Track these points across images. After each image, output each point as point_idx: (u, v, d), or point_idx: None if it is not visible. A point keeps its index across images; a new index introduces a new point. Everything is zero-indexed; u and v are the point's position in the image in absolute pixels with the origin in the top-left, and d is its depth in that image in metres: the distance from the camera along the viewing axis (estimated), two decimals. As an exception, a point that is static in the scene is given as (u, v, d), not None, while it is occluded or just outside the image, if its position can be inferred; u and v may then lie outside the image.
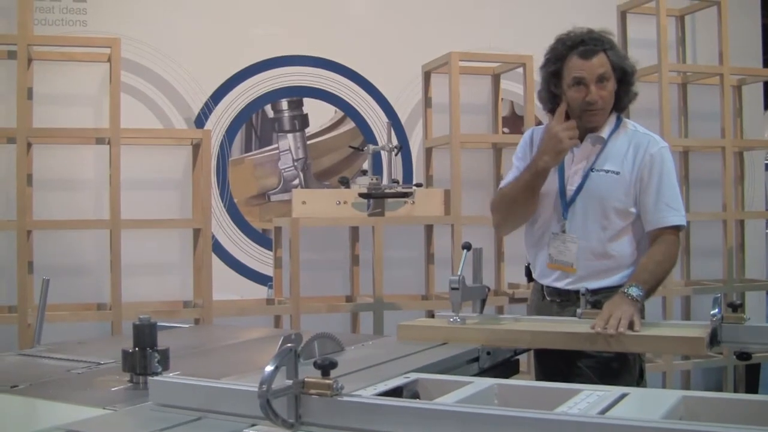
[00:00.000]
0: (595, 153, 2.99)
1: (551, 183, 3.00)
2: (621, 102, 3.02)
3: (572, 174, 3.01)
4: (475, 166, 5.37)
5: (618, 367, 2.82)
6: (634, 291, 2.73)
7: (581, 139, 2.97)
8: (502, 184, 3.20)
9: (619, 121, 3.04)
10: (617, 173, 2.94)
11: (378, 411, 1.58)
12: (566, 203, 2.99)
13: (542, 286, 3.08)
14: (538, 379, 3.05)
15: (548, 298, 3.06)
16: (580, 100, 2.92)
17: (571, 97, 2.94)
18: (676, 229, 2.94)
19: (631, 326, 2.55)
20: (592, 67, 2.90)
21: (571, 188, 3.00)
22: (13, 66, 4.33)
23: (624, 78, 2.97)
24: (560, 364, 2.86)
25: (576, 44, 2.93)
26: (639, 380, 2.91)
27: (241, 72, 5.16)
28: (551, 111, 3.02)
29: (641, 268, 2.88)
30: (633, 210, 2.94)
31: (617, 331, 2.52)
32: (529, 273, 3.20)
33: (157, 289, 4.79)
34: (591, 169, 2.97)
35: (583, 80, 2.91)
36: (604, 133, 2.99)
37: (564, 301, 2.99)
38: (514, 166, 3.16)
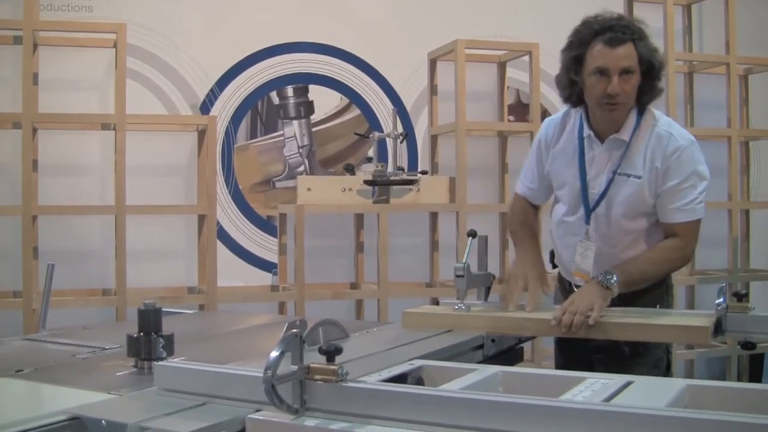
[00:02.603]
0: (618, 156, 2.80)
1: (573, 184, 2.90)
2: (643, 98, 2.79)
3: (594, 177, 2.85)
4: (481, 153, 5.36)
5: (633, 355, 2.78)
6: (610, 279, 2.63)
7: (602, 141, 2.83)
8: (518, 187, 3.18)
9: (639, 118, 2.80)
10: (639, 177, 2.77)
11: (382, 397, 1.58)
12: (589, 208, 2.86)
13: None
14: (558, 367, 3.01)
15: (575, 289, 2.97)
16: (601, 92, 2.72)
17: (591, 87, 2.75)
18: (692, 223, 2.78)
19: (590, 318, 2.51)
20: (617, 58, 2.68)
21: (594, 192, 2.85)
22: (19, 51, 4.33)
23: (650, 73, 2.74)
24: (580, 352, 2.81)
25: (603, 30, 2.70)
26: (666, 373, 2.86)
27: (247, 58, 5.16)
28: (567, 99, 2.88)
29: (634, 260, 2.79)
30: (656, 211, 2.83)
31: (570, 329, 2.51)
32: (553, 258, 3.13)
33: (162, 275, 4.80)
34: (615, 173, 2.80)
35: (606, 71, 2.69)
36: (626, 135, 2.78)
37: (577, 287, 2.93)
38: (527, 165, 3.12)
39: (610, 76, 2.70)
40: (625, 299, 2.74)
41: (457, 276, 2.71)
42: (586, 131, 2.86)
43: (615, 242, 2.86)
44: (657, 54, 2.77)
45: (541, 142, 3.04)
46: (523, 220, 3.12)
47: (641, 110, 2.82)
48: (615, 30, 2.69)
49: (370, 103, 5.38)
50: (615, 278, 2.64)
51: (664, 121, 2.84)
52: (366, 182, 4.66)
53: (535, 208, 3.17)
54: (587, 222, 2.87)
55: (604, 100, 2.74)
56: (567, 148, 2.94)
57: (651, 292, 2.88)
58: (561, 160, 2.96)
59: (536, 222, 3.17)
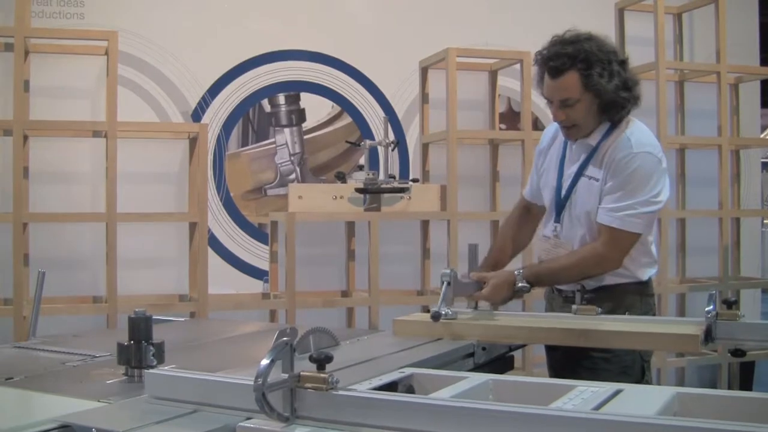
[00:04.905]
0: (584, 159, 2.90)
1: (553, 184, 2.99)
2: (605, 116, 2.84)
3: (566, 178, 2.95)
4: (472, 162, 5.37)
5: (599, 360, 2.79)
6: (519, 273, 2.81)
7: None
8: (524, 191, 3.27)
9: (612, 126, 2.86)
10: (597, 180, 2.84)
11: (373, 405, 1.58)
12: (560, 207, 2.95)
13: None
14: (550, 374, 3.03)
15: (555, 291, 3.08)
16: (553, 117, 2.87)
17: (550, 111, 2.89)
18: (613, 230, 2.77)
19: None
20: (556, 89, 2.78)
21: (563, 192, 2.95)
22: (10, 58, 4.32)
23: (601, 98, 2.78)
24: (570, 359, 2.83)
25: (547, 59, 2.79)
26: (640, 379, 2.88)
27: (239, 66, 5.16)
28: None
29: (549, 263, 2.92)
30: None
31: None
32: None
33: (153, 283, 4.79)
34: (581, 175, 2.89)
35: (550, 100, 2.83)
36: (593, 140, 2.86)
37: (567, 295, 2.97)
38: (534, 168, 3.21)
39: (553, 104, 2.81)
40: (588, 300, 2.81)
41: (445, 282, 2.72)
42: None
43: (579, 241, 2.91)
44: (609, 81, 2.75)
45: (538, 150, 3.15)
46: (504, 232, 3.28)
47: (617, 119, 2.86)
48: (556, 59, 2.75)
49: (361, 111, 5.39)
50: (520, 272, 2.82)
51: (633, 128, 2.86)
52: (357, 190, 4.66)
53: (533, 213, 3.24)
54: (556, 220, 2.96)
55: (558, 124, 2.90)
56: (554, 153, 3.04)
57: (621, 298, 2.89)
58: (549, 164, 3.06)
59: (523, 233, 3.25)
